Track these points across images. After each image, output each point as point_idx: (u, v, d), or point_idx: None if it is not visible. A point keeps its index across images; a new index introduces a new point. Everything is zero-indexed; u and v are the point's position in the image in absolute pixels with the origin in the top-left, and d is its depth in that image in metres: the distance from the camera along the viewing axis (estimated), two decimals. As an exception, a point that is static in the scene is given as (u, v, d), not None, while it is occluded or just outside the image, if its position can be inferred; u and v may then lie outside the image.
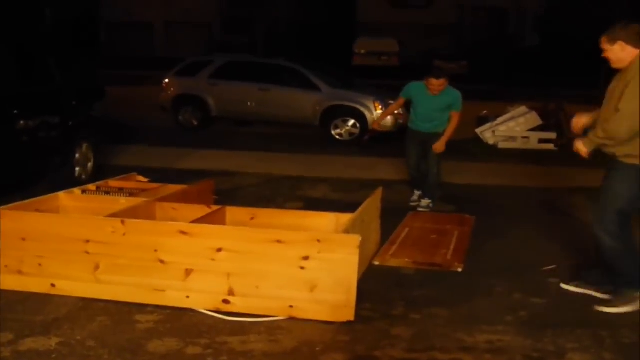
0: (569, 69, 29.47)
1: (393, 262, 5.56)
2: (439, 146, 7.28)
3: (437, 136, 7.34)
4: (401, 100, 7.75)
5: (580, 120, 5.11)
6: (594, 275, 5.01)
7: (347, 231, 4.50)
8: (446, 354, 3.93)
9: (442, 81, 7.12)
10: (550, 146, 12.50)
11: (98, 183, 6.28)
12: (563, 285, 5.09)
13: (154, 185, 6.41)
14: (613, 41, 4.59)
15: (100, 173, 8.12)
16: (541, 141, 12.72)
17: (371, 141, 10.34)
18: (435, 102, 7.23)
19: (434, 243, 6.09)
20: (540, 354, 3.96)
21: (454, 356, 3.90)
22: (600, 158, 4.88)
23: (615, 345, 4.11)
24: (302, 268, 4.25)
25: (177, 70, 14.58)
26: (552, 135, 12.74)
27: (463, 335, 4.17)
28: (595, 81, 25.14)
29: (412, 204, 7.69)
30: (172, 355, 3.82)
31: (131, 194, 5.94)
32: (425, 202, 7.52)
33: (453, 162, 10.54)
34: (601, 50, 4.70)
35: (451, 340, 4.10)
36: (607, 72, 4.91)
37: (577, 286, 5.03)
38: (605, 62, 4.84)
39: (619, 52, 4.60)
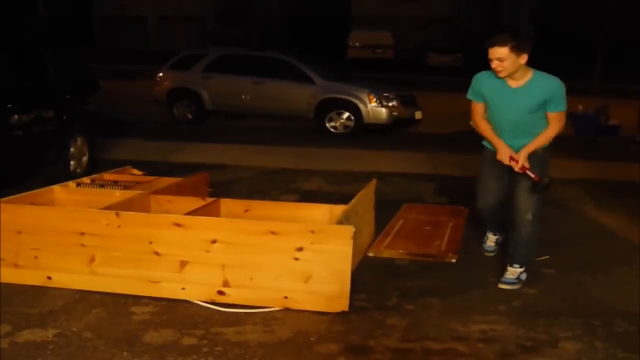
0: (563, 62, 29.52)
1: (387, 254, 5.59)
2: (520, 156, 4.85)
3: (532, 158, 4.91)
4: (477, 107, 5.03)
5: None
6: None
7: (340, 222, 4.53)
8: (440, 343, 3.96)
9: (504, 51, 4.53)
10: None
11: (93, 176, 6.28)
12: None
13: (149, 178, 6.41)
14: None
15: (95, 167, 8.13)
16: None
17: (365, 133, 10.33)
18: (521, 98, 4.74)
19: (428, 234, 6.12)
20: (533, 343, 3.99)
21: (447, 346, 3.93)
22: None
23: (608, 334, 4.14)
24: (296, 259, 4.28)
25: (171, 63, 14.59)
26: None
27: (457, 325, 4.20)
28: (588, 73, 25.25)
29: (488, 253, 5.68)
30: (168, 346, 3.84)
31: (126, 187, 5.95)
32: (514, 270, 4.94)
33: (447, 153, 10.60)
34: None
35: (445, 330, 4.13)
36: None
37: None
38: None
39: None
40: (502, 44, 4.53)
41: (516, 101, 4.76)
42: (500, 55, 4.55)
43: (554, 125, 4.83)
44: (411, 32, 37.57)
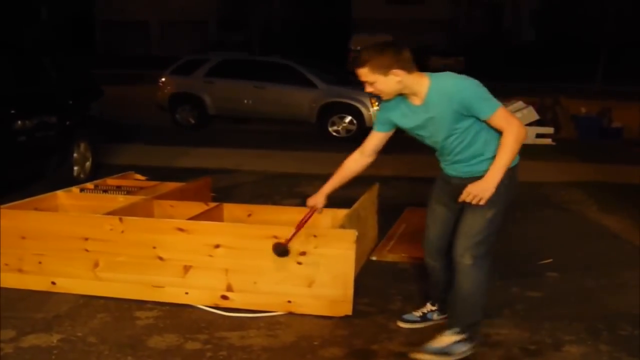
0: (565, 64, 29.52)
1: (390, 257, 5.59)
2: (476, 190, 3.56)
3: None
4: (371, 138, 4.09)
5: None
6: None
7: (343, 226, 4.54)
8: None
9: (364, 72, 3.61)
10: (548, 141, 12.53)
11: (96, 181, 6.30)
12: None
13: (152, 183, 6.42)
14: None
15: (98, 172, 8.15)
16: (538, 136, 12.75)
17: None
18: (426, 116, 3.65)
19: (431, 238, 6.10)
20: (537, 347, 3.99)
21: (451, 349, 3.93)
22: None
23: (612, 337, 4.13)
24: (299, 263, 4.28)
25: (173, 68, 14.61)
26: (550, 130, 12.78)
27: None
28: (590, 76, 25.25)
29: (404, 323, 4.25)
30: (172, 350, 3.84)
31: (129, 192, 5.97)
32: (444, 339, 3.76)
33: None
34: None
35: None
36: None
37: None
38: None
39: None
40: (360, 64, 3.58)
41: (425, 122, 3.66)
42: (364, 77, 3.60)
43: (505, 130, 3.55)
44: (412, 35, 37.55)
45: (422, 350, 3.75)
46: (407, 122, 3.76)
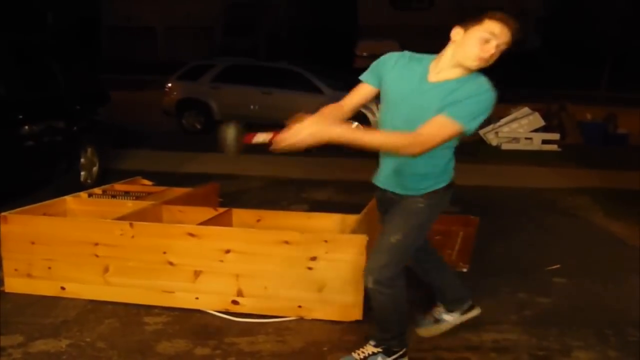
0: (570, 70, 29.50)
1: (398, 263, 5.58)
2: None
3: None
4: (360, 89, 3.54)
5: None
6: None
7: (354, 231, 4.54)
8: (452, 352, 3.96)
9: (508, 34, 3.14)
10: (554, 147, 12.54)
11: (104, 187, 6.31)
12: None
13: (160, 188, 6.44)
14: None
15: (104, 177, 8.17)
16: (544, 142, 12.77)
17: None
18: (429, 102, 3.23)
19: (439, 244, 6.10)
20: (546, 352, 3.99)
21: (460, 355, 3.94)
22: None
23: (621, 343, 4.13)
24: (310, 268, 4.29)
25: (180, 74, 14.66)
26: (556, 136, 12.80)
27: (469, 335, 4.19)
28: (596, 81, 25.22)
29: (431, 329, 4.19)
30: (181, 356, 3.85)
31: (137, 197, 5.98)
32: (364, 349, 3.71)
33: (457, 163, 10.57)
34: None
35: (457, 339, 4.13)
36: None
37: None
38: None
39: None
40: (512, 24, 3.12)
41: (419, 99, 3.27)
42: (505, 39, 3.14)
43: (417, 133, 3.17)
44: (418, 41, 37.49)
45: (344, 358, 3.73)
46: (399, 86, 3.33)
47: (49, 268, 4.65)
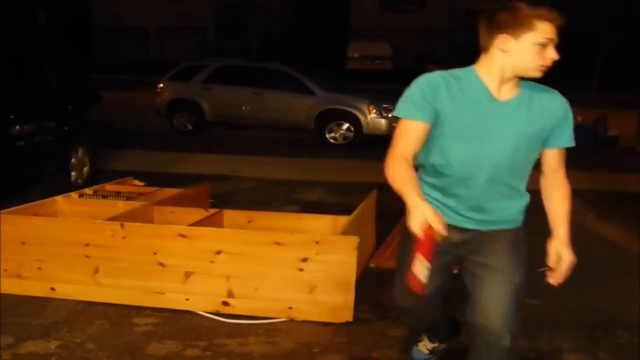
0: (560, 72, 29.56)
1: (389, 265, 5.57)
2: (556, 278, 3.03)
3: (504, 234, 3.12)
4: (413, 131, 2.80)
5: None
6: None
7: (345, 233, 4.54)
8: (443, 355, 3.96)
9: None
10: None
11: (95, 187, 6.29)
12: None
13: (151, 189, 6.43)
14: None
15: (95, 177, 8.14)
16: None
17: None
18: (517, 123, 2.82)
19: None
20: (536, 354, 4.00)
21: (449, 358, 3.93)
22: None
23: (611, 344, 4.15)
24: (300, 270, 4.29)
25: (171, 74, 14.62)
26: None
27: (459, 336, 4.19)
28: (587, 83, 25.31)
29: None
30: (171, 357, 3.84)
31: (128, 197, 5.97)
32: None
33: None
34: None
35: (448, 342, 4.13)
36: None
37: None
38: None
39: None
40: (559, 18, 2.74)
41: (510, 123, 2.80)
42: (556, 36, 2.76)
43: (562, 175, 3.18)
44: (410, 43, 37.60)
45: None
46: (465, 116, 2.78)
47: (39, 268, 4.63)
